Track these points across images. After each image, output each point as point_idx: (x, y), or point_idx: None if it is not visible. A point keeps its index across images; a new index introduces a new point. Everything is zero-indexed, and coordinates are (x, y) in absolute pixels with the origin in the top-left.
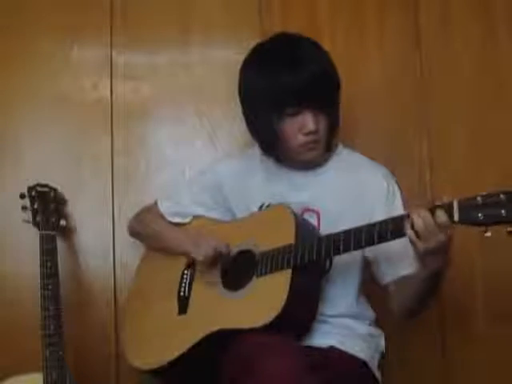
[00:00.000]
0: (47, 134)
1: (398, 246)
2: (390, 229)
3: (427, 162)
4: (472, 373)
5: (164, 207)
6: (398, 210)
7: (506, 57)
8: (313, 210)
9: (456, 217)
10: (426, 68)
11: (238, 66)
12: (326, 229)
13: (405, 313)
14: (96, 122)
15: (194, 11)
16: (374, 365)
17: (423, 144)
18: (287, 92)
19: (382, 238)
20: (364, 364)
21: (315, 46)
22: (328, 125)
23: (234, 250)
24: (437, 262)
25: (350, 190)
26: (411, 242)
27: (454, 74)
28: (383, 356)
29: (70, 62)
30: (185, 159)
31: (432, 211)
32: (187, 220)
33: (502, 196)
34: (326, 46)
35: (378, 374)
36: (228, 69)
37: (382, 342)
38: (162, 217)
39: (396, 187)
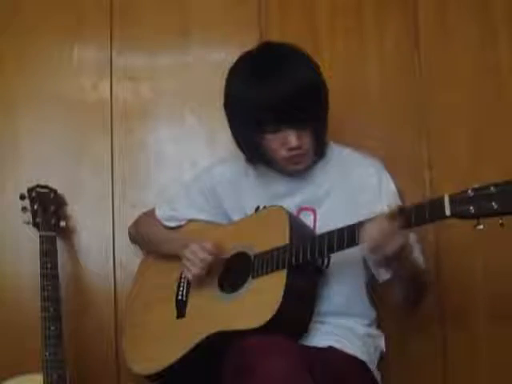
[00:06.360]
0: (47, 134)
1: None
2: None
3: (427, 162)
4: (473, 373)
5: (160, 212)
6: (392, 203)
7: (505, 57)
8: (309, 209)
9: (447, 211)
10: (426, 69)
11: None
12: (322, 227)
13: (404, 305)
14: (96, 123)
15: (194, 12)
16: (373, 365)
17: (423, 145)
18: (265, 111)
19: None
20: (363, 364)
21: (299, 59)
22: (313, 138)
23: (230, 253)
24: (394, 267)
25: (342, 188)
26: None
27: (454, 74)
28: (382, 357)
29: (70, 62)
30: (184, 160)
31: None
32: (182, 223)
33: (492, 188)
34: (325, 47)
35: (377, 375)
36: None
37: (382, 343)
38: (158, 222)
39: (389, 180)
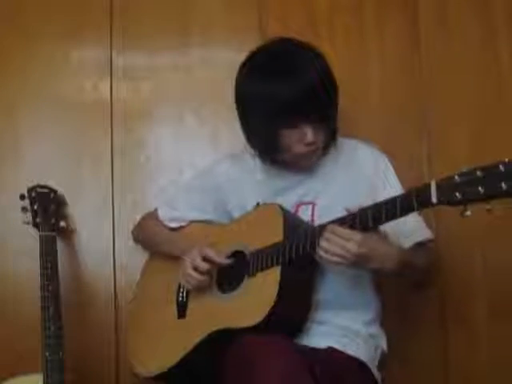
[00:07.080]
0: (47, 134)
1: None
2: (370, 218)
3: (427, 162)
4: (473, 372)
5: (162, 213)
6: (394, 191)
7: (506, 57)
8: (308, 203)
9: (434, 198)
10: (426, 69)
11: (238, 67)
12: (322, 218)
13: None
14: (96, 123)
15: (194, 12)
16: (373, 366)
17: (423, 145)
18: (283, 107)
19: (366, 228)
20: (363, 365)
21: (312, 55)
22: (327, 133)
23: (228, 252)
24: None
25: (343, 178)
26: None
27: (454, 74)
28: (384, 357)
29: (70, 62)
30: (185, 160)
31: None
32: (184, 224)
33: (478, 173)
34: (325, 46)
35: (377, 375)
36: (228, 69)
37: (383, 343)
38: (161, 223)
39: (390, 168)
